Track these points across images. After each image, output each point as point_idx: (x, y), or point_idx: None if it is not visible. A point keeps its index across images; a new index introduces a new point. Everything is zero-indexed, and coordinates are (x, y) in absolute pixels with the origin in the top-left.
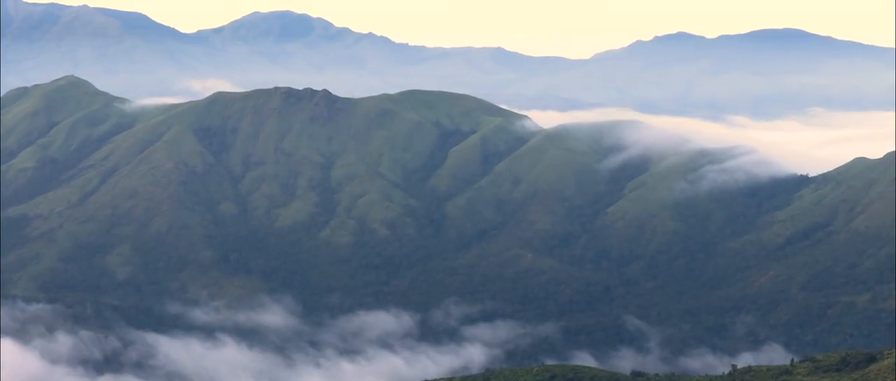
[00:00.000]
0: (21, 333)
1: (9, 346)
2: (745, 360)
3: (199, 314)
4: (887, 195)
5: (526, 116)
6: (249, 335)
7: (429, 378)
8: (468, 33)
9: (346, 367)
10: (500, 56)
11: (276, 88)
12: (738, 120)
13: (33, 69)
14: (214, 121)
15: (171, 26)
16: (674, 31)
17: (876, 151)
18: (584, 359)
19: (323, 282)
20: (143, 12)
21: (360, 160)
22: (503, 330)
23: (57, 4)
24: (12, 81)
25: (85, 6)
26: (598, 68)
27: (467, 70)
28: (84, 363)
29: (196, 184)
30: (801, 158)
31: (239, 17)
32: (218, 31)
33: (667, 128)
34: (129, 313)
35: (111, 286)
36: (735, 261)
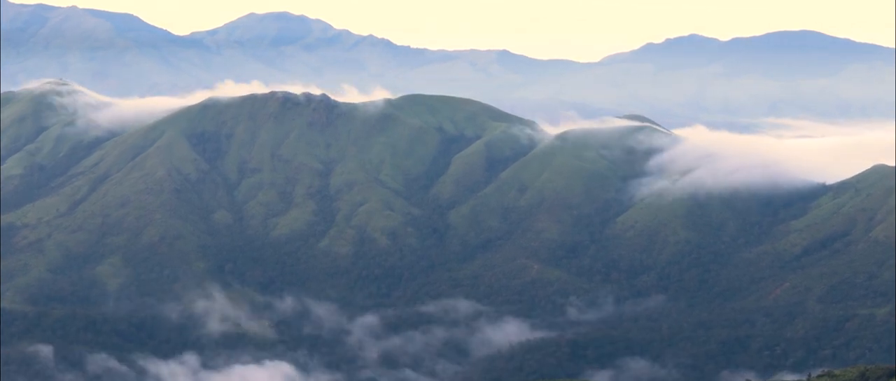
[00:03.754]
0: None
1: None
2: (761, 375)
3: (193, 327)
4: None
5: (532, 122)
6: (244, 349)
7: None
8: (472, 35)
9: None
10: (506, 59)
11: (273, 93)
12: (753, 125)
13: (20, 73)
14: (209, 126)
15: (164, 28)
16: (686, 34)
17: None
18: (593, 374)
19: (321, 294)
20: (135, 14)
21: (359, 167)
22: (508, 343)
23: (45, 6)
24: None
25: (74, 7)
26: (607, 72)
27: (471, 73)
28: None
29: (190, 192)
30: (819, 166)
31: (234, 18)
32: (212, 33)
33: (679, 134)
34: (120, 326)
35: (102, 298)
36: (749, 272)
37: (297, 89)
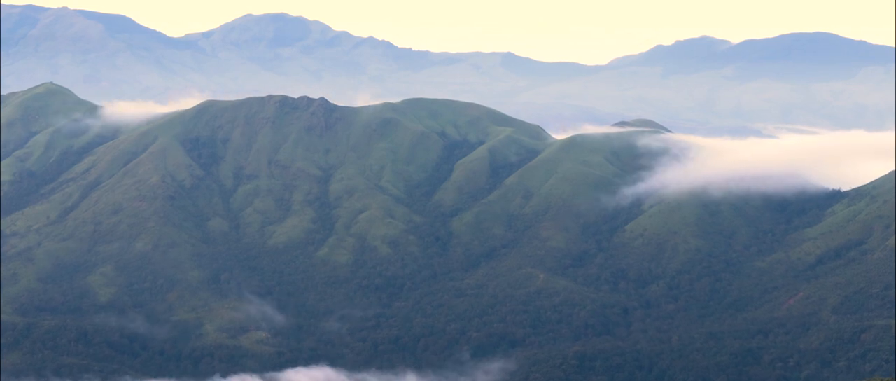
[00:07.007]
0: None
1: None
2: None
3: (188, 339)
4: None
5: (538, 127)
6: (240, 361)
7: None
8: (476, 37)
9: None
10: (511, 62)
11: (270, 96)
12: (765, 130)
13: (9, 76)
14: (204, 131)
15: (158, 30)
16: (696, 36)
17: None
18: None
19: (320, 304)
20: (128, 15)
21: (359, 173)
22: (513, 356)
23: (35, 6)
24: None
25: (65, 8)
26: (615, 75)
27: (475, 76)
28: None
29: (184, 199)
30: (833, 172)
31: (230, 19)
32: (208, 35)
33: (689, 139)
34: (112, 337)
35: (93, 309)
36: (762, 281)
37: (295, 93)
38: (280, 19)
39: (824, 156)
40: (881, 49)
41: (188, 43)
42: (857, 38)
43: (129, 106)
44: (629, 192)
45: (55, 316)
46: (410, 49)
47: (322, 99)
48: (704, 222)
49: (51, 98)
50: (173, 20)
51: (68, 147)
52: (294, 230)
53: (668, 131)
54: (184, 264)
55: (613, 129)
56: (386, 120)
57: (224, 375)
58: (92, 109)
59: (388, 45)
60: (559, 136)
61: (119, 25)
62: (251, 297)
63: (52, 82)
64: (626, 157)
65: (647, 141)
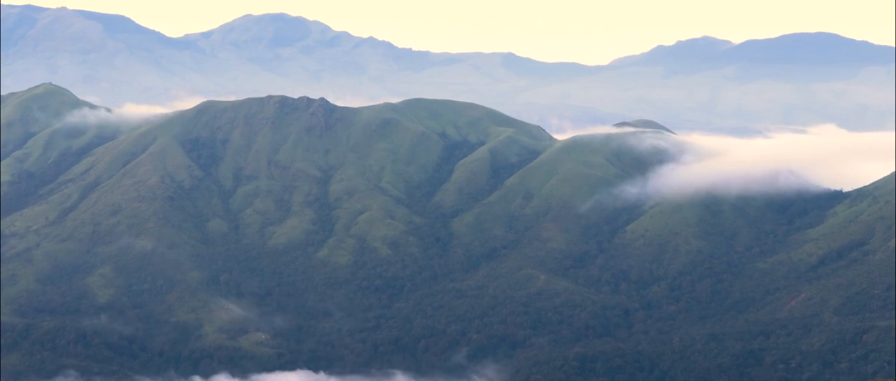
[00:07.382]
0: None
1: None
2: None
3: (187, 340)
4: None
5: (538, 127)
6: (240, 362)
7: None
8: (476, 37)
9: None
10: (511, 62)
11: (270, 97)
12: (767, 130)
13: (8, 76)
14: (203, 132)
15: (157, 30)
16: (698, 36)
17: None
18: None
19: (320, 305)
20: (127, 15)
21: (359, 174)
22: (514, 357)
23: (34, 6)
24: None
25: (64, 8)
26: (616, 75)
27: (475, 77)
28: None
29: (183, 200)
30: (835, 172)
31: (229, 20)
32: (207, 35)
33: (690, 139)
34: (111, 339)
35: (92, 310)
36: (764, 283)
37: (294, 93)
38: (280, 19)
39: (825, 156)
40: (882, 49)
41: (187, 43)
42: (858, 38)
43: (128, 106)
44: (630, 192)
45: (54, 317)
46: (410, 49)
47: (322, 99)
48: (706, 223)
49: (50, 98)
50: (172, 20)
51: (67, 148)
52: (294, 231)
53: (670, 132)
54: (183, 265)
55: (614, 129)
56: (386, 120)
57: (223, 376)
58: (91, 110)
59: (388, 46)
60: (560, 136)
61: (118, 26)
62: (251, 298)
63: (51, 83)
64: (627, 157)
65: (649, 142)
